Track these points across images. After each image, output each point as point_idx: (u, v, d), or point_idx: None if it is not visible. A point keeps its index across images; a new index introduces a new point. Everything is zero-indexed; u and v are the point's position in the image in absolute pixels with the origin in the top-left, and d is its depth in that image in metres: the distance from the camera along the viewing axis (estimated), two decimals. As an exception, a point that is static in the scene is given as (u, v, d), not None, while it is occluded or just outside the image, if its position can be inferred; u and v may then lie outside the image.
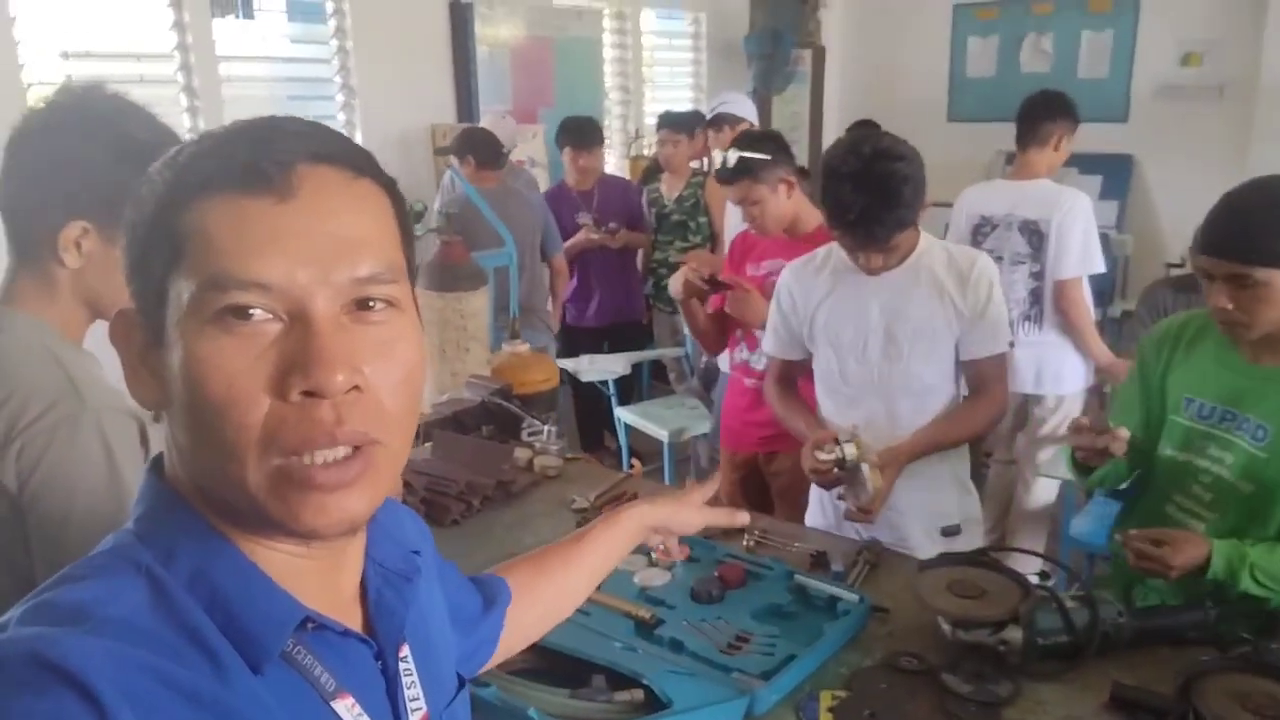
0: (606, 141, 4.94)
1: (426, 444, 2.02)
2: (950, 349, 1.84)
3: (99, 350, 0.95)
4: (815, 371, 1.99)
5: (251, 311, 0.55)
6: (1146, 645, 1.31)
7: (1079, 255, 2.88)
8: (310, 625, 0.60)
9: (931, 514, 1.87)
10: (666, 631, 1.35)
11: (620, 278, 4.18)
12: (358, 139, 3.95)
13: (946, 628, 1.32)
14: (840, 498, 1.84)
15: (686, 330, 3.22)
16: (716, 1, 5.45)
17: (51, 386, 1.02)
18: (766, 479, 2.45)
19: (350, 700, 0.62)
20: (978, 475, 3.22)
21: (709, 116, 3.96)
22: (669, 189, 4.14)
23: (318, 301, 0.56)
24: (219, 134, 0.60)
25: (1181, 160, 4.89)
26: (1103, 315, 4.15)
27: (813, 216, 2.33)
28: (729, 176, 2.27)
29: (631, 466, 2.58)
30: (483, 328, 2.44)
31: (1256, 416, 1.49)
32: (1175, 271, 3.63)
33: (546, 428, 2.02)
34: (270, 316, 0.56)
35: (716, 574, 1.50)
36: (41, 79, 3.09)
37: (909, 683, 1.26)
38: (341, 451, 0.57)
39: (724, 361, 2.78)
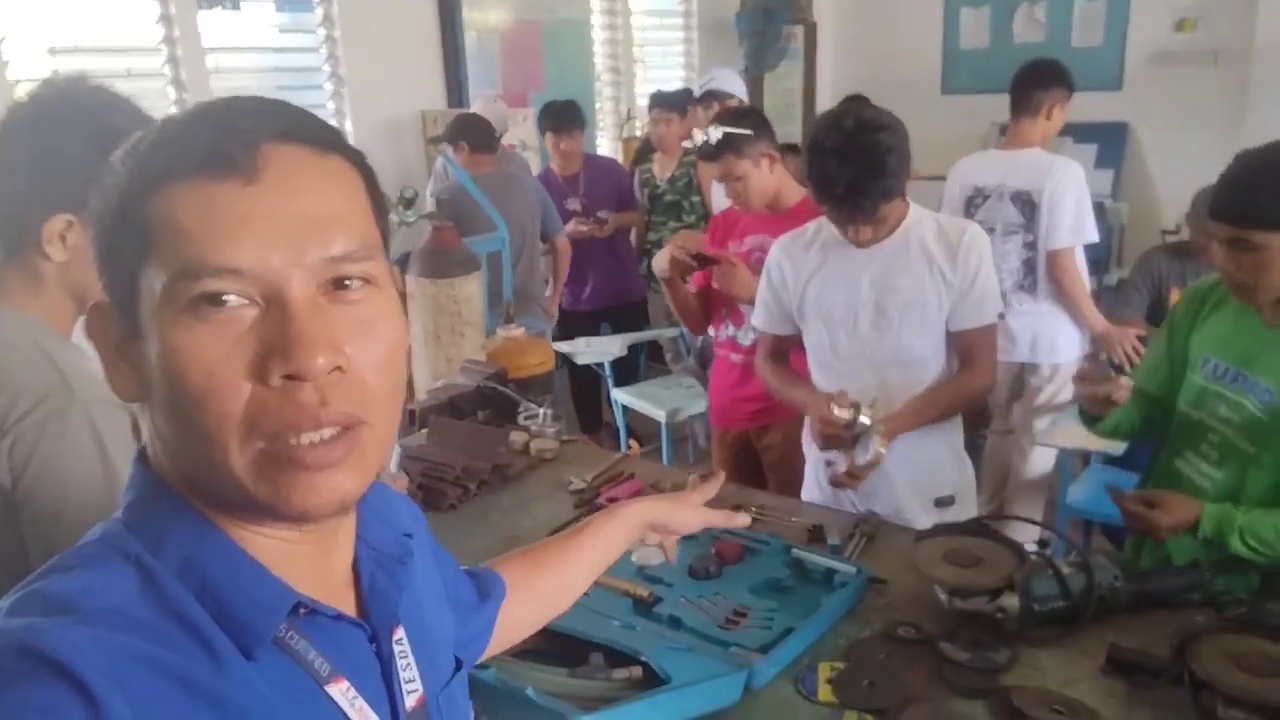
0: (599, 124, 4.92)
1: (422, 430, 2.02)
2: (940, 321, 1.84)
3: (88, 343, 0.95)
4: (807, 346, 1.99)
5: (225, 298, 0.54)
6: (1143, 609, 1.32)
7: (1071, 224, 2.87)
8: (302, 610, 0.60)
9: (926, 485, 1.88)
10: (665, 609, 1.35)
11: (613, 260, 4.18)
12: (348, 127, 3.94)
13: (943, 597, 1.33)
14: (829, 463, 1.84)
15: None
16: (706, -21, 5.42)
17: (41, 380, 1.02)
18: (758, 453, 2.45)
19: (345, 684, 0.61)
20: (974, 446, 3.24)
21: (698, 93, 3.94)
22: (661, 169, 4.13)
23: (293, 284, 0.55)
24: (179, 119, 0.59)
25: (1177, 127, 4.87)
26: (1098, 284, 4.14)
27: (794, 191, 2.33)
28: (711, 153, 2.27)
29: (629, 447, 2.59)
30: (476, 313, 2.43)
31: (1265, 379, 1.50)
32: (1171, 238, 3.62)
33: (542, 411, 2.02)
34: (245, 302, 0.55)
35: (714, 550, 1.51)
36: (28, 75, 3.08)
37: (907, 652, 1.27)
38: (328, 432, 0.56)
39: (719, 340, 2.78)
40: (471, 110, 3.99)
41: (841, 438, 1.76)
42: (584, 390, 4.23)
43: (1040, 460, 3.10)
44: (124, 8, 3.41)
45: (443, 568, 0.86)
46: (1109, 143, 5.05)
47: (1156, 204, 4.98)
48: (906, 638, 1.30)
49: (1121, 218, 4.91)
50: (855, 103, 2.24)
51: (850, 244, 1.87)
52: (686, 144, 4.23)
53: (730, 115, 2.37)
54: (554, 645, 1.23)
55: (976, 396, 1.95)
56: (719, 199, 3.25)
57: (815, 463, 2.02)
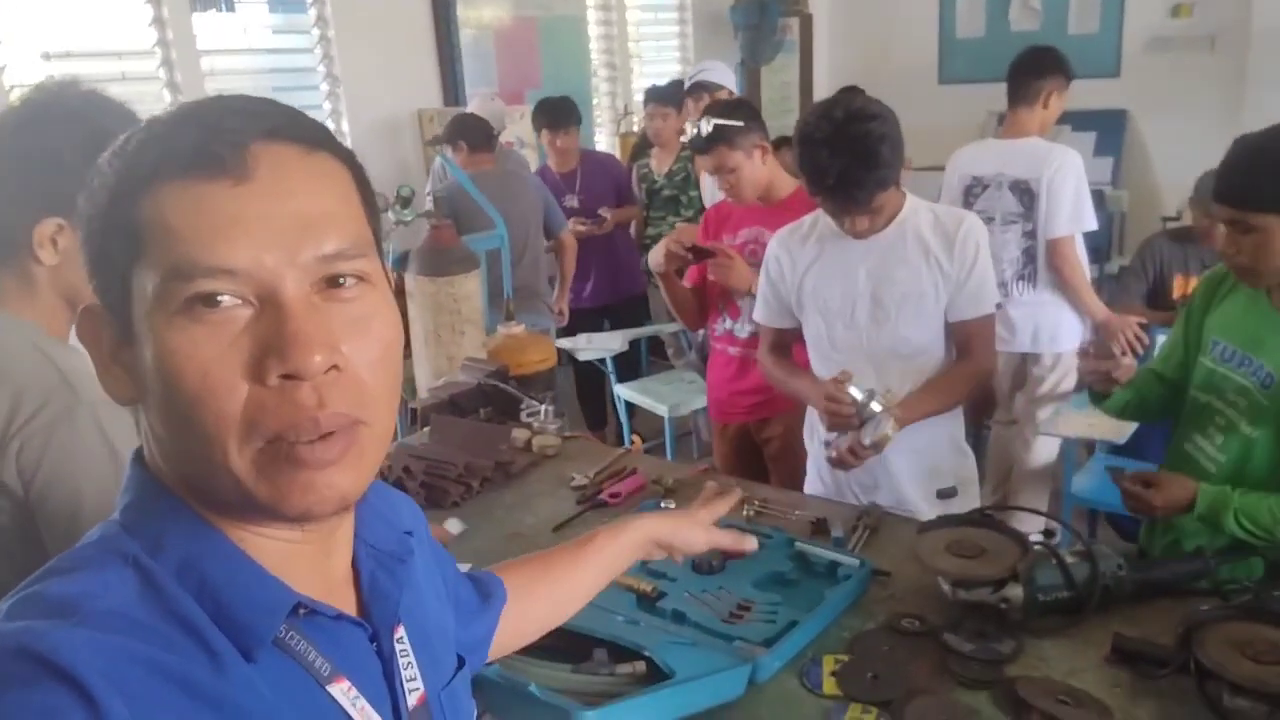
0: (596, 120, 4.91)
1: (424, 428, 2.02)
2: (938, 311, 1.83)
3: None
4: (806, 339, 1.99)
5: (220, 298, 0.54)
6: (1148, 598, 1.31)
7: (1070, 213, 2.86)
8: (302, 611, 0.60)
9: (929, 477, 1.88)
10: (668, 603, 1.35)
11: (613, 257, 4.16)
12: (344, 127, 3.94)
13: (947, 588, 1.32)
14: (828, 443, 1.83)
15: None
16: (701, -27, 5.41)
17: (43, 383, 1.02)
18: (759, 446, 2.45)
19: (346, 684, 0.61)
20: (978, 437, 3.24)
21: (687, 85, 3.92)
22: (659, 164, 4.12)
23: (287, 283, 0.55)
24: (166, 119, 0.58)
25: (1175, 113, 4.85)
26: (1099, 272, 4.14)
27: (786, 183, 2.33)
28: (703, 145, 2.26)
29: (631, 443, 2.58)
30: (476, 311, 2.43)
31: (1269, 362, 1.50)
32: (1171, 225, 3.61)
33: (543, 407, 2.02)
34: (239, 302, 0.55)
35: (717, 545, 1.50)
36: (23, 81, 3.08)
37: (911, 644, 1.27)
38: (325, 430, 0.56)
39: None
40: (468, 108, 3.98)
41: (849, 421, 1.75)
42: (588, 387, 4.23)
43: (1044, 450, 3.10)
44: (118, 11, 3.41)
45: (443, 568, 0.85)
46: (1108, 130, 5.04)
47: (1157, 190, 4.97)
48: (910, 629, 1.29)
49: (1122, 205, 4.90)
50: (846, 93, 2.24)
51: (847, 236, 1.86)
52: (683, 138, 4.24)
53: (721, 107, 2.36)
54: (557, 641, 1.22)
55: (977, 387, 1.94)
56: (711, 193, 3.25)
57: (817, 456, 2.02)
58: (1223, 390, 1.57)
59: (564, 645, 1.22)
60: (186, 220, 0.54)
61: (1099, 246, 4.04)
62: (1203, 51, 4.83)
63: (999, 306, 1.92)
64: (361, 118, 3.98)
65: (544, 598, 0.99)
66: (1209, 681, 1.10)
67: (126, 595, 0.55)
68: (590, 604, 1.29)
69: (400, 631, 0.68)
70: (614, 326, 4.10)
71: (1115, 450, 2.89)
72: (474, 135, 3.60)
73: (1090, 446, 3.12)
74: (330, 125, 4.03)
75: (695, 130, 2.28)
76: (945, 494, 1.87)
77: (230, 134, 0.56)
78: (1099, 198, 3.22)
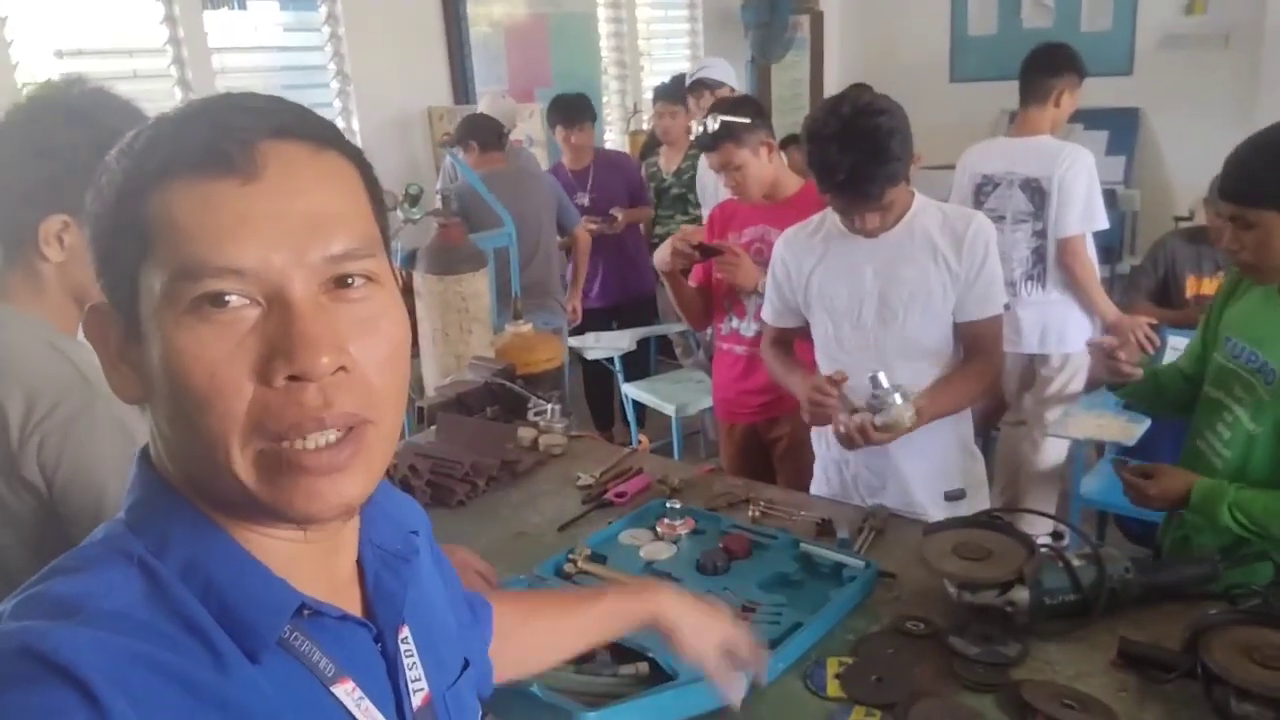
0: (606, 118, 4.90)
1: (431, 427, 2.03)
2: (946, 311, 1.82)
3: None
4: (814, 339, 1.98)
5: (228, 298, 0.54)
6: (1155, 602, 1.30)
7: (1082, 212, 2.85)
8: (306, 611, 0.60)
9: (937, 478, 1.87)
10: (673, 604, 1.35)
11: (622, 256, 4.15)
12: (354, 124, 3.95)
13: (953, 590, 1.32)
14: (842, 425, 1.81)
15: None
16: (711, -29, 5.40)
17: (58, 378, 1.03)
18: (767, 446, 2.44)
19: (350, 685, 0.61)
20: (988, 439, 3.22)
21: (688, 83, 3.91)
22: (667, 162, 4.11)
23: (295, 283, 0.55)
24: (174, 116, 0.58)
25: (1189, 111, 4.82)
26: (1111, 272, 4.11)
27: (792, 180, 2.33)
28: (710, 142, 2.26)
29: (639, 442, 2.58)
30: (484, 309, 2.43)
31: (1272, 358, 1.50)
32: (1184, 224, 3.59)
33: (550, 406, 2.02)
34: (247, 302, 0.55)
35: (721, 545, 1.50)
36: (35, 78, 3.09)
37: (916, 646, 1.26)
38: (333, 435, 0.56)
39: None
40: (479, 106, 3.99)
41: (830, 416, 1.73)
42: (596, 386, 4.22)
43: (1052, 451, 3.08)
44: (129, 9, 3.42)
45: (444, 571, 0.85)
46: (1120, 129, 5.00)
47: (1169, 190, 4.94)
48: (915, 632, 1.29)
49: (1134, 204, 4.87)
50: (853, 89, 2.23)
51: (854, 235, 1.85)
52: (693, 136, 4.23)
53: (727, 104, 2.36)
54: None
55: (986, 388, 1.93)
56: (711, 192, 3.24)
57: (824, 457, 2.01)
58: (1231, 386, 1.57)
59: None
60: (194, 219, 0.54)
61: (1111, 246, 4.02)
62: (1216, 49, 4.79)
63: (1007, 307, 1.91)
64: (372, 115, 3.99)
65: (527, 643, 0.97)
66: (1216, 686, 1.09)
67: (131, 595, 0.55)
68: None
69: (405, 632, 0.68)
70: (622, 326, 4.10)
71: (1124, 452, 2.88)
72: (484, 135, 3.60)
73: (1099, 448, 3.10)
74: (340, 123, 4.03)
75: (701, 128, 2.28)
76: (953, 496, 1.86)
77: (239, 132, 0.55)
78: (1111, 197, 3.20)
